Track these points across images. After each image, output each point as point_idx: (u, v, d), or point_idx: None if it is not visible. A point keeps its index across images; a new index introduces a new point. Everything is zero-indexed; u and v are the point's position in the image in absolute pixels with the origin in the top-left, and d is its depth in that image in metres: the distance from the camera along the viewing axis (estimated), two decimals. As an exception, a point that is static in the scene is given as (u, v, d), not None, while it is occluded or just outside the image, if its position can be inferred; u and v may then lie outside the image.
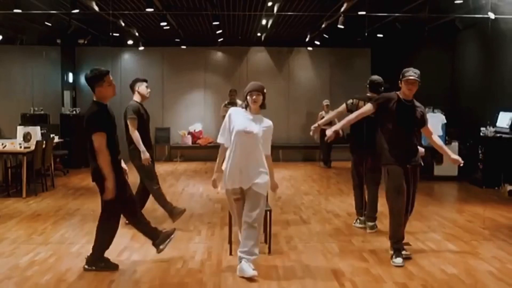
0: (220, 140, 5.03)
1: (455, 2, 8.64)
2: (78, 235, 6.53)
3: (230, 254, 5.57)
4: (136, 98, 6.78)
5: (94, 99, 4.97)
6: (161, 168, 13.24)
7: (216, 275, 4.98)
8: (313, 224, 7.14)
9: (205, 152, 14.80)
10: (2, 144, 9.44)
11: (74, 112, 13.69)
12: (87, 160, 12.85)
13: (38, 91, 14.24)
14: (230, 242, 5.67)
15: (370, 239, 6.35)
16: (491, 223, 7.23)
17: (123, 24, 11.73)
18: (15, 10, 8.59)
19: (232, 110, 5.08)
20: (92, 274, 4.99)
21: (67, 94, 14.59)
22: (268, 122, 5.04)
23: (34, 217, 7.56)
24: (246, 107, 5.03)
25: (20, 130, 9.65)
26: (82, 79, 15.18)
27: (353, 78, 15.02)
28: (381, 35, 12.50)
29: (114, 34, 12.22)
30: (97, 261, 5.13)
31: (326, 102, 13.93)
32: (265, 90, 5.02)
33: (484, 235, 6.59)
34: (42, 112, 13.18)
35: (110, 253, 5.64)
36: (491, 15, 9.09)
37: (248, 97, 4.97)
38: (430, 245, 6.08)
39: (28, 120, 12.57)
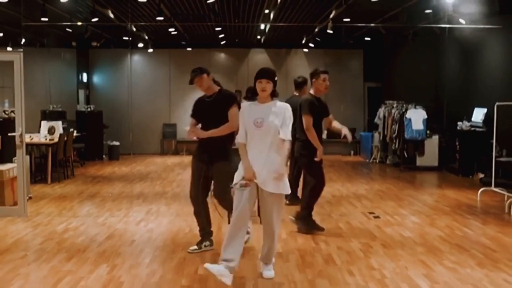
0: (240, 139, 4.64)
1: (426, 11, 9.83)
2: (101, 210, 7.74)
3: (229, 223, 6.70)
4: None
5: (311, 92, 6.32)
6: (169, 161, 14.53)
7: (217, 236, 6.16)
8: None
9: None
10: (30, 136, 10.64)
11: (88, 109, 14.90)
12: (101, 153, 14.46)
13: (55, 89, 15.42)
14: (228, 215, 6.82)
15: (347, 214, 7.52)
16: (454, 202, 8.40)
17: (134, 29, 12.95)
18: (42, 19, 9.78)
19: (243, 106, 4.76)
20: (117, 236, 6.19)
21: (81, 93, 15.85)
22: (281, 105, 4.61)
23: (61, 198, 8.77)
24: (250, 96, 4.74)
25: (44, 124, 10.87)
26: (96, 79, 16.43)
27: (347, 78, 16.28)
28: (368, 38, 13.69)
29: (125, 38, 13.43)
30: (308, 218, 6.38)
31: None
32: (276, 78, 4.59)
33: (445, 210, 7.76)
34: (60, 109, 14.34)
35: (129, 223, 6.87)
36: (463, 22, 10.24)
37: (256, 84, 4.57)
38: (396, 218, 7.25)
39: (47, 116, 13.69)
